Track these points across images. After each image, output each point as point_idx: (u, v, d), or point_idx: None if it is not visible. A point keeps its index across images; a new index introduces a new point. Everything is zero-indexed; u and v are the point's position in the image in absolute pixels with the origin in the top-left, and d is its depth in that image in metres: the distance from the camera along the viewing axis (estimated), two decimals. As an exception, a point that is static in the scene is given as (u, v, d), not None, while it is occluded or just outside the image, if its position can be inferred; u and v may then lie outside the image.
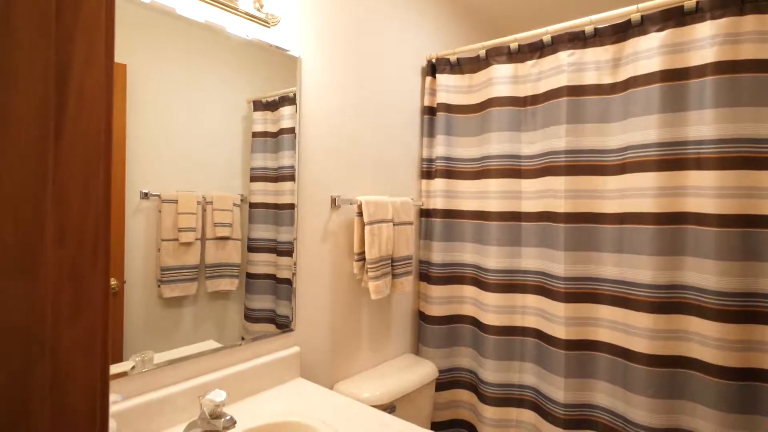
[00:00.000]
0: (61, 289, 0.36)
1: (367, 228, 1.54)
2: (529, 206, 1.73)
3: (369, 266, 1.55)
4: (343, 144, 1.58)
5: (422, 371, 1.72)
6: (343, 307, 1.61)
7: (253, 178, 1.29)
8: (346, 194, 1.60)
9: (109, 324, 0.38)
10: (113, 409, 0.95)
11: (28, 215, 0.33)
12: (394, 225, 1.67)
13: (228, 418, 0.98)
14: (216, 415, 0.97)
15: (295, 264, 1.41)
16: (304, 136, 1.44)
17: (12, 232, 0.32)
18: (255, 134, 1.29)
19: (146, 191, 1.05)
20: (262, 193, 1.32)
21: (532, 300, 1.71)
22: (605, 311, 1.54)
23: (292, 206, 1.40)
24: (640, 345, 1.42)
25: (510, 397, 1.75)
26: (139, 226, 1.04)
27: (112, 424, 0.83)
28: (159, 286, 1.08)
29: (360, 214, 1.56)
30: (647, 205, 1.41)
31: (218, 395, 0.98)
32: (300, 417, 1.10)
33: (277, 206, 1.35)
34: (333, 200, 1.54)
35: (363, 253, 1.58)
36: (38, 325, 0.34)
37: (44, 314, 0.35)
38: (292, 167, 1.39)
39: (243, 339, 1.27)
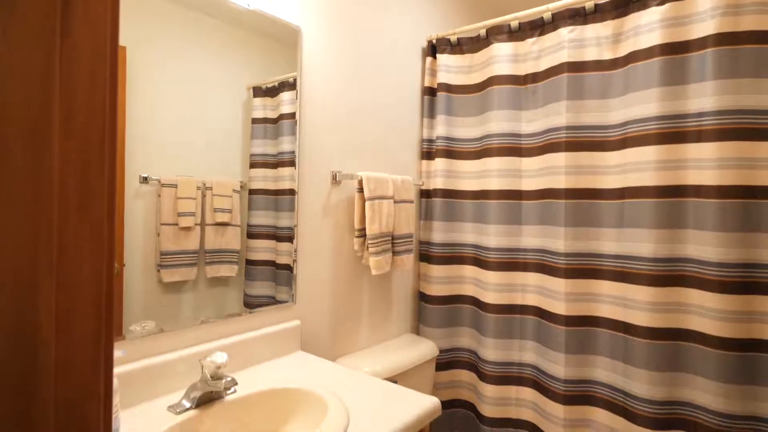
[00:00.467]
0: (67, 182, 0.35)
1: (367, 203, 1.54)
2: (529, 184, 1.73)
3: (369, 242, 1.55)
4: (342, 124, 1.58)
5: (422, 349, 1.72)
6: (344, 284, 1.60)
7: (253, 165, 1.29)
8: (346, 171, 1.59)
9: (114, 220, 0.38)
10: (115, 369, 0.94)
11: (35, 102, 0.33)
12: (394, 202, 1.66)
13: (229, 379, 0.98)
14: (217, 377, 0.97)
15: (295, 251, 1.40)
16: (305, 116, 1.43)
17: (19, 123, 0.32)
18: (255, 120, 1.29)
19: (146, 175, 1.05)
20: (262, 179, 1.31)
21: (532, 278, 1.71)
22: (606, 286, 1.54)
23: (292, 192, 1.39)
24: (640, 318, 1.42)
25: (510, 376, 1.75)
26: (139, 210, 1.04)
27: (115, 381, 0.83)
28: (158, 271, 1.07)
29: (360, 190, 1.56)
30: (648, 178, 1.41)
31: (219, 357, 0.97)
32: (301, 384, 1.10)
33: (276, 192, 1.35)
34: (334, 176, 1.54)
35: (363, 229, 1.58)
36: (45, 218, 0.34)
37: (51, 207, 0.35)
38: (292, 152, 1.39)
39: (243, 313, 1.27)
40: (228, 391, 1.04)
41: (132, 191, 1.02)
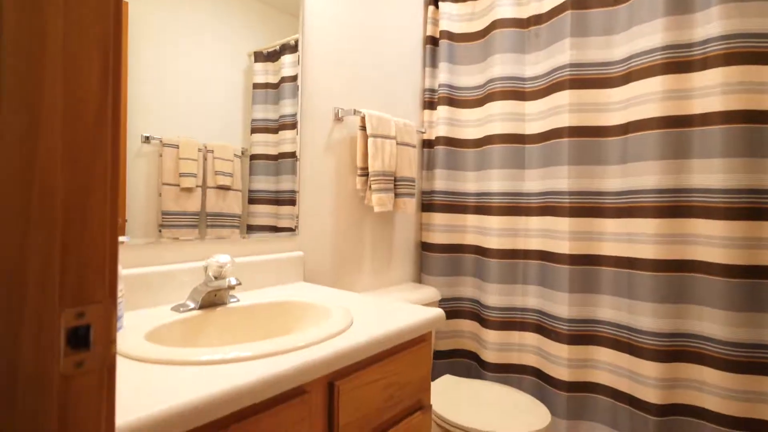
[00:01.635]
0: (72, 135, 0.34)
1: (370, 140, 1.53)
2: (533, 128, 1.72)
3: (372, 179, 1.54)
4: (345, 73, 1.57)
5: (425, 292, 1.71)
6: (346, 224, 1.60)
7: (254, 130, 1.28)
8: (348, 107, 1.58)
9: (118, 174, 0.37)
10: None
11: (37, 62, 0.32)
12: (397, 144, 1.66)
13: (233, 280, 0.97)
14: (221, 277, 0.96)
15: (297, 216, 1.39)
16: (307, 54, 1.43)
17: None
18: (256, 86, 1.28)
19: (147, 135, 1.04)
20: (263, 144, 1.31)
21: (535, 222, 1.71)
22: (610, 224, 1.53)
23: (293, 155, 1.39)
24: (645, 252, 1.41)
25: (512, 321, 1.75)
26: (141, 170, 1.03)
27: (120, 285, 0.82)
28: (160, 231, 1.06)
29: (363, 127, 1.55)
30: (652, 110, 1.41)
31: (223, 257, 0.97)
32: (304, 298, 1.09)
33: (278, 156, 1.34)
34: (336, 112, 1.53)
35: (366, 168, 1.57)
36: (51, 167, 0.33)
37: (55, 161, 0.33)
38: (294, 115, 1.38)
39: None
40: (231, 299, 1.03)
41: (134, 151, 1.02)
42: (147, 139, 1.04)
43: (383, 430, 0.90)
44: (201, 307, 0.97)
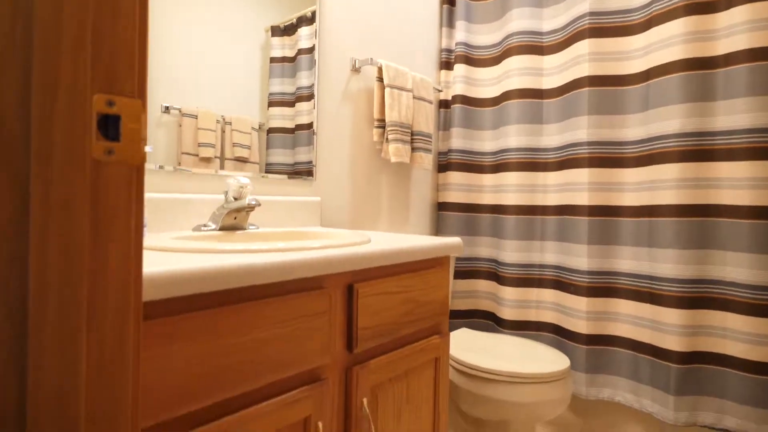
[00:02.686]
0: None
1: (387, 90, 1.53)
2: (551, 82, 1.70)
3: (389, 129, 1.54)
4: (361, 26, 1.57)
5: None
6: (364, 176, 1.60)
7: (271, 104, 1.29)
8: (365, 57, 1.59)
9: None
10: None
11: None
12: (414, 97, 1.65)
13: (253, 201, 0.98)
14: (241, 198, 0.98)
15: (314, 163, 1.41)
16: (324, 15, 1.43)
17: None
18: (273, 60, 1.29)
19: (167, 105, 1.06)
20: (280, 117, 1.32)
21: (554, 177, 1.69)
22: (630, 174, 1.50)
23: (309, 126, 1.40)
24: (667, 198, 1.39)
25: (530, 278, 1.73)
26: (161, 139, 1.05)
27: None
28: None
29: (380, 79, 1.56)
30: (675, 53, 1.37)
31: (243, 178, 0.98)
32: (323, 228, 1.10)
33: (294, 129, 1.35)
34: (353, 62, 1.54)
35: (383, 120, 1.57)
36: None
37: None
38: (311, 87, 1.39)
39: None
40: (251, 227, 1.04)
41: (154, 120, 1.04)
42: (167, 109, 1.06)
43: (402, 345, 0.91)
44: (221, 229, 0.98)
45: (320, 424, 0.71)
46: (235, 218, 1.00)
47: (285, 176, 1.32)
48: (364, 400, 0.79)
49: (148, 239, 0.79)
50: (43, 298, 0.33)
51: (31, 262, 0.32)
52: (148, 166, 1.02)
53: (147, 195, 0.99)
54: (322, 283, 0.75)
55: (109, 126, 0.37)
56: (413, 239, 1.01)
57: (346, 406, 0.79)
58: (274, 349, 0.65)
